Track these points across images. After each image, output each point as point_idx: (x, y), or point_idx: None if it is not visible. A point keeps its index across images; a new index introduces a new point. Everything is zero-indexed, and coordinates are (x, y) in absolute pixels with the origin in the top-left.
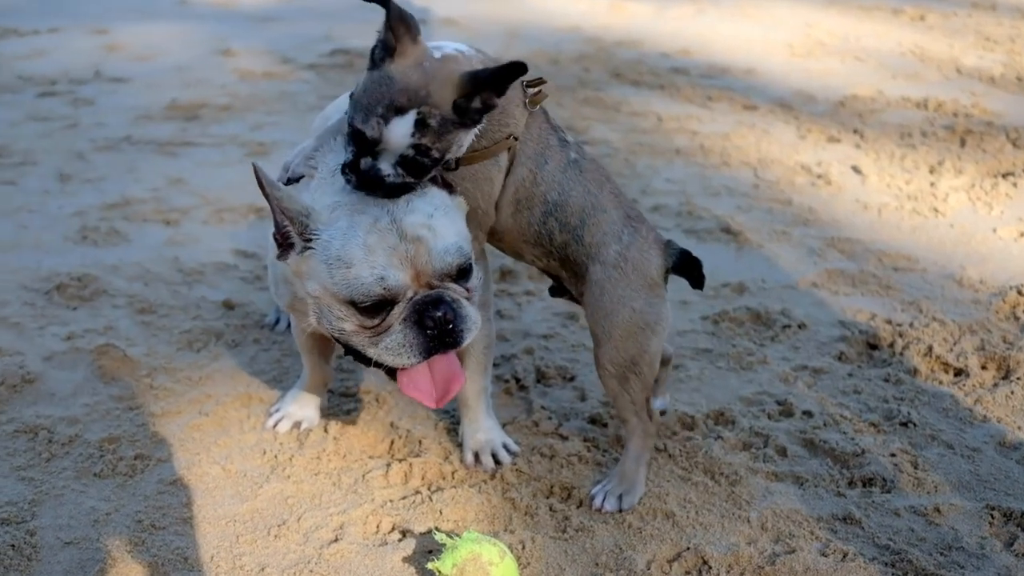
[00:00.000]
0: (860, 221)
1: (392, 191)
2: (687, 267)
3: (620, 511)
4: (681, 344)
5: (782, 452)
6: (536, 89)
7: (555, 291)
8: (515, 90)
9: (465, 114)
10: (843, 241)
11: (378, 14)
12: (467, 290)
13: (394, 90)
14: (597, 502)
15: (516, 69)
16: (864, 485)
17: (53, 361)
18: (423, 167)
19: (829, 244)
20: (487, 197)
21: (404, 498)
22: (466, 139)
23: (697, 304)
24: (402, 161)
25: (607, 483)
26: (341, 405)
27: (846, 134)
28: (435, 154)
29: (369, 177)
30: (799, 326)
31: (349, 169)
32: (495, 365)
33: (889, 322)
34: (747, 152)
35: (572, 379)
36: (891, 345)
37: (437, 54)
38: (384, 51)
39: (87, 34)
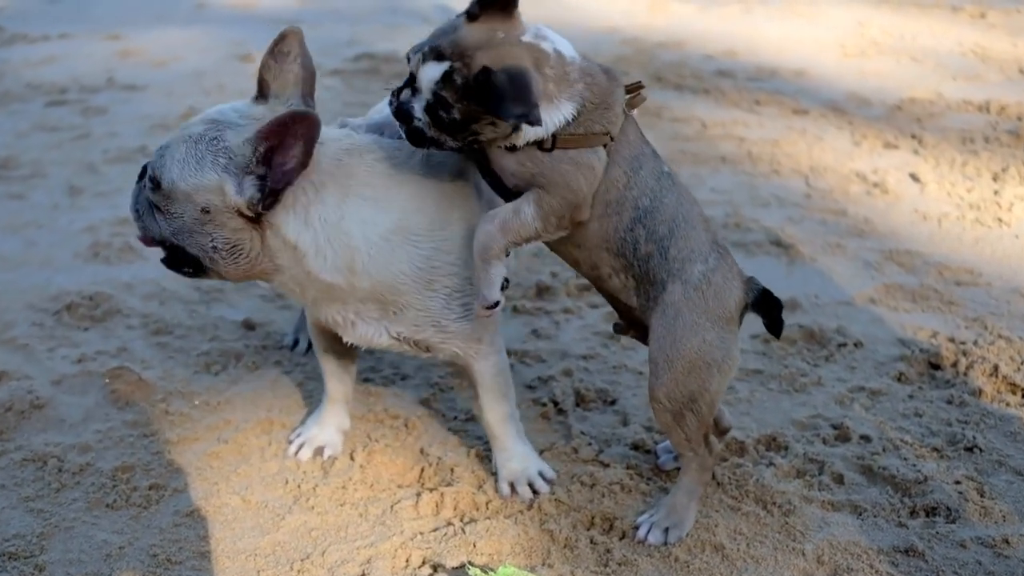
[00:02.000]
0: (919, 232)
1: (413, 136)
2: (766, 307)
3: (665, 544)
4: None
5: (839, 480)
6: (635, 93)
7: (619, 328)
8: (618, 89)
9: (472, 95)
10: (901, 254)
11: (404, 17)
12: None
13: (448, 37)
14: (641, 533)
15: (513, 111)
16: (927, 515)
17: (63, 385)
18: (443, 124)
19: (887, 257)
20: (589, 184)
21: (435, 530)
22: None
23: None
24: (428, 107)
25: (654, 514)
26: (368, 431)
27: (903, 139)
28: (456, 115)
29: (401, 109)
30: (855, 345)
31: (393, 94)
32: (530, 387)
33: (952, 340)
34: (798, 159)
35: (613, 403)
36: (954, 365)
37: (525, 37)
38: (473, 8)
39: (99, 40)
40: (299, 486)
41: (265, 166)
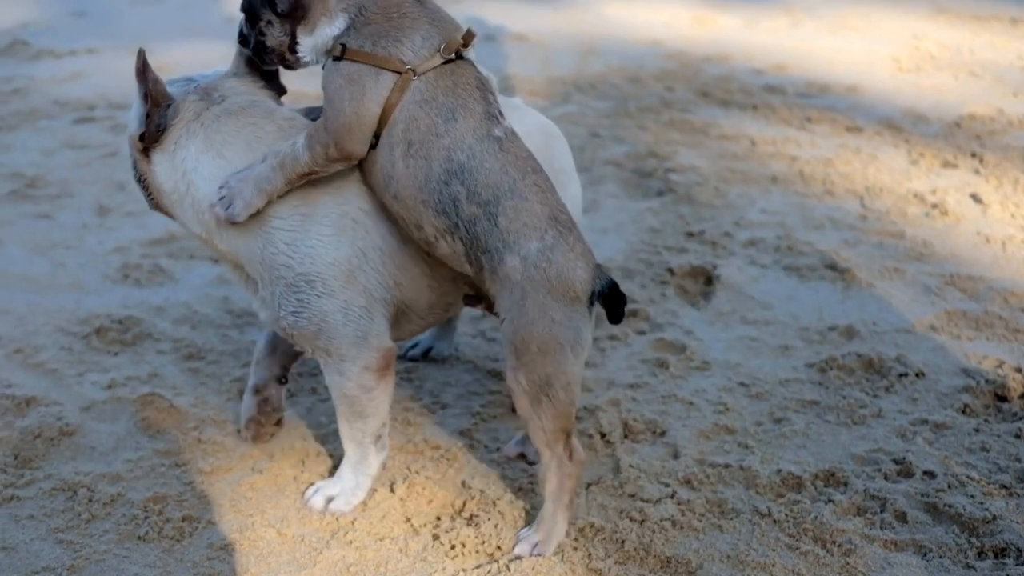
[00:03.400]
0: (982, 256)
1: (245, 42)
2: (611, 299)
3: (531, 555)
4: (784, 395)
5: (901, 518)
6: (463, 42)
7: (469, 300)
8: (427, 25)
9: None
10: (963, 279)
11: None
12: None
13: None
14: (516, 548)
15: None
16: (996, 556)
17: (93, 412)
18: (256, 26)
19: (948, 282)
20: (354, 105)
21: (478, 567)
22: (315, 32)
23: (801, 350)
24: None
25: (530, 527)
26: (407, 462)
27: (963, 158)
28: (247, 24)
29: (240, 32)
30: (917, 375)
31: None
32: (576, 418)
33: (1019, 370)
34: (852, 179)
35: (663, 434)
36: (1022, 396)
37: None
38: None
39: (128, 55)
40: (337, 519)
41: (151, 105)
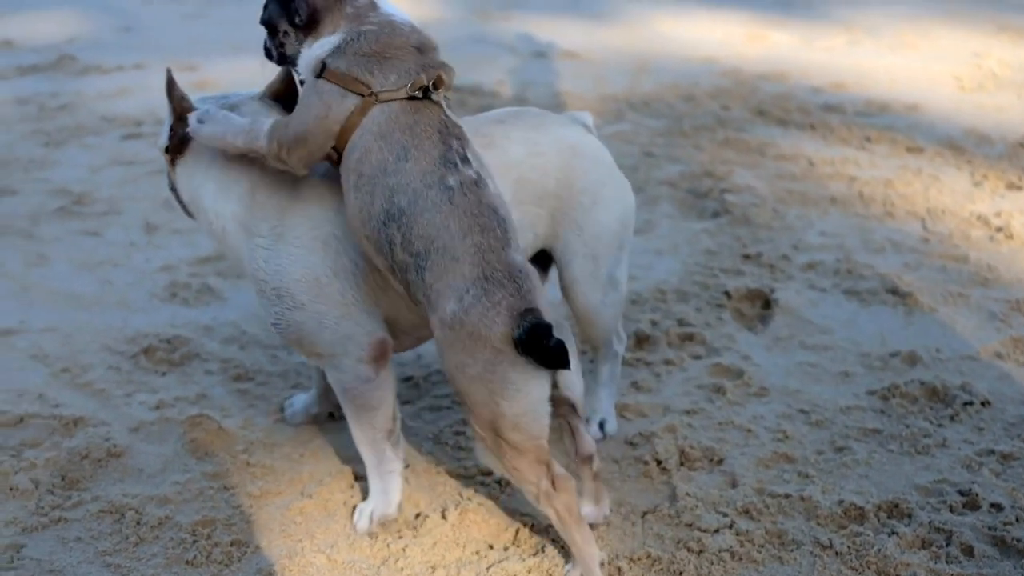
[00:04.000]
0: None
1: (270, 56)
2: (532, 344)
3: None
4: (846, 423)
5: (968, 551)
6: (431, 82)
7: None
8: (405, 56)
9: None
10: None
11: (490, 47)
12: None
13: None
14: None
15: None
16: None
17: (141, 433)
18: (276, 38)
19: (1014, 308)
20: (316, 120)
21: None
22: (313, 45)
23: (862, 377)
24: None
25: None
26: (459, 488)
27: None
28: (282, 28)
29: (265, 47)
30: (983, 403)
31: None
32: (631, 444)
33: None
34: (914, 201)
35: (720, 462)
36: None
37: None
38: None
39: (175, 71)
40: (388, 546)
41: (176, 119)
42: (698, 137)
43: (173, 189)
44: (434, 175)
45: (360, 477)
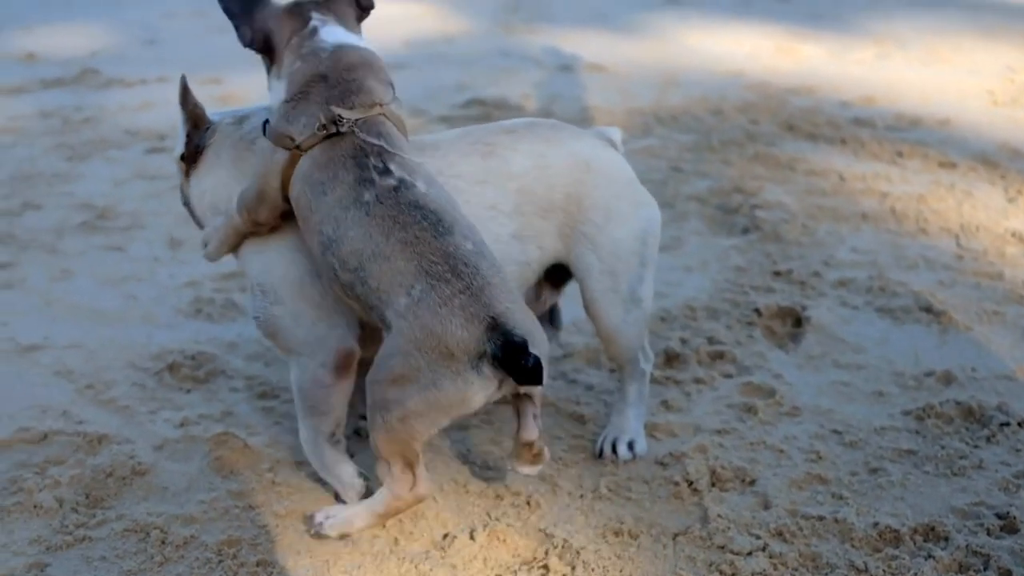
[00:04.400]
0: None
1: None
2: (507, 361)
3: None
4: (880, 444)
5: None
6: (333, 117)
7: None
8: (313, 92)
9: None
10: None
11: (515, 60)
12: None
13: None
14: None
15: None
16: None
17: (165, 451)
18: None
19: None
20: (260, 176)
21: None
22: (274, 89)
23: (896, 397)
24: None
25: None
26: (487, 508)
27: None
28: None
29: None
30: (1020, 424)
31: None
32: (662, 464)
33: None
34: (947, 217)
35: (753, 483)
36: None
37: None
38: None
39: (199, 84)
40: (415, 566)
41: (191, 126)
42: (727, 152)
43: (187, 203)
44: (349, 197)
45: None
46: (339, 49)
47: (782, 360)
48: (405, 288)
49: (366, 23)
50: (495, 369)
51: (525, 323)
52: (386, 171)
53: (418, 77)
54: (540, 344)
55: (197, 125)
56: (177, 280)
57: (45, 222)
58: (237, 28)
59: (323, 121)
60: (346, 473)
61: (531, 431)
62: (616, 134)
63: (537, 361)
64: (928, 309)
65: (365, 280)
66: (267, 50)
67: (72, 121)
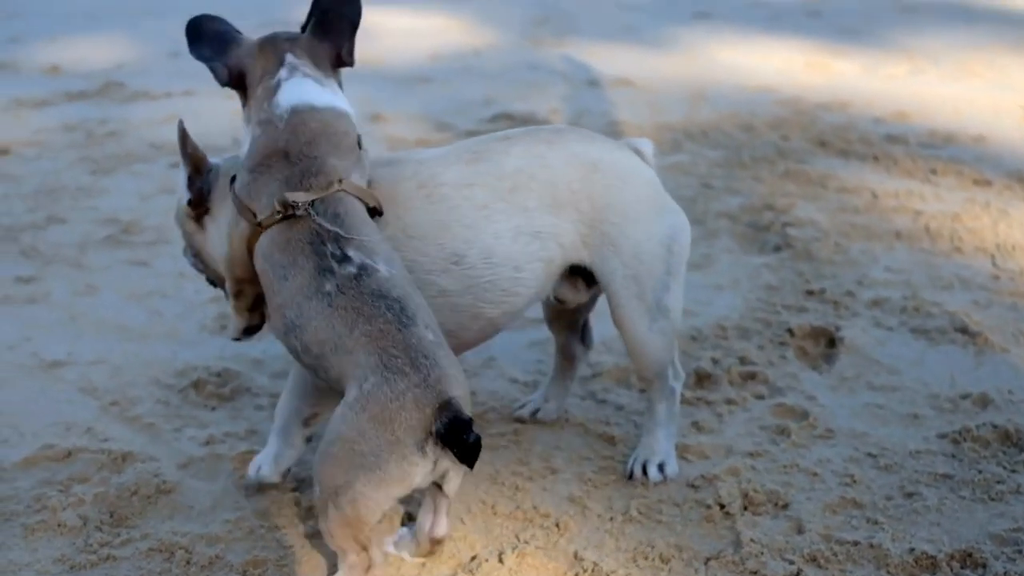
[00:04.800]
0: None
1: None
2: (453, 435)
3: None
4: (915, 468)
5: None
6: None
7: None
8: (274, 168)
9: None
10: None
11: (543, 75)
12: None
13: None
14: None
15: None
16: None
17: (190, 469)
18: None
19: None
20: (231, 237)
21: None
22: (245, 135)
23: (932, 419)
24: None
25: None
26: (516, 530)
27: None
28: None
29: None
30: None
31: None
32: (693, 486)
33: None
34: (982, 236)
35: (786, 507)
36: None
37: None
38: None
39: (224, 97)
40: None
41: (192, 170)
42: (758, 168)
43: (197, 255)
44: (311, 287)
45: (412, 517)
46: (296, 115)
47: (815, 381)
48: (358, 382)
49: (390, 41)
50: (436, 448)
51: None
52: (345, 258)
53: (444, 91)
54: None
55: (199, 169)
56: (202, 296)
57: (70, 236)
58: (213, 68)
59: (277, 207)
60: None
61: (442, 528)
62: (647, 146)
63: (479, 440)
64: (964, 330)
65: (327, 369)
66: (242, 87)
67: (96, 134)
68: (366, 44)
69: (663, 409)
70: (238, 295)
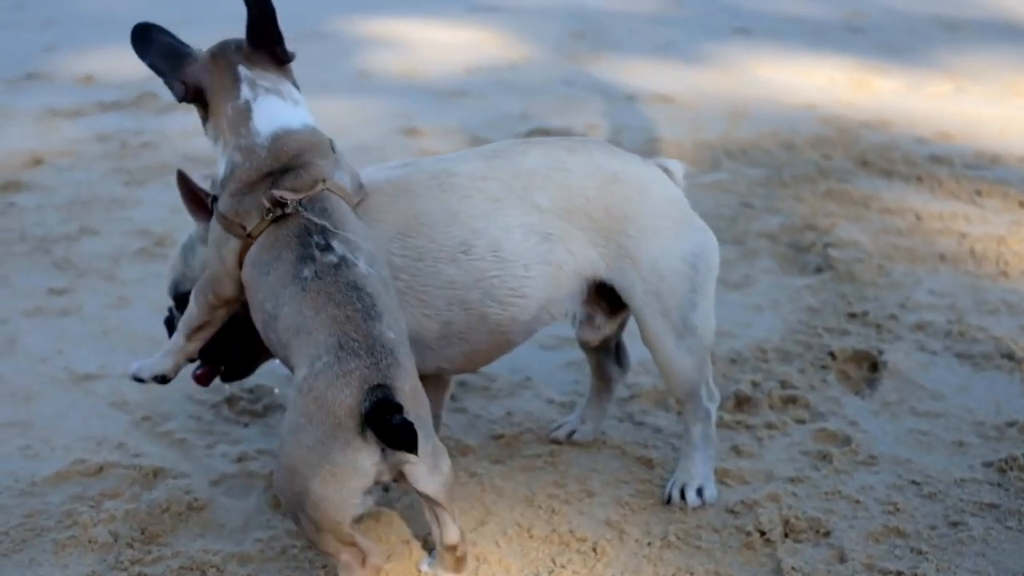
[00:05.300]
0: None
1: None
2: (376, 419)
3: None
4: (960, 496)
5: None
6: (277, 199)
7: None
8: (260, 187)
9: None
10: None
11: (580, 90)
12: None
13: None
14: None
15: None
16: None
17: (222, 486)
18: None
19: None
20: (218, 257)
21: None
22: (218, 155)
23: (977, 447)
24: None
25: None
26: (552, 554)
27: None
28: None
29: None
30: None
31: None
32: (732, 512)
33: None
34: None
35: (827, 534)
36: None
37: (246, 85)
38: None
39: None
40: None
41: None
42: (799, 187)
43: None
44: (289, 275)
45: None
46: (276, 141)
47: (857, 406)
48: (309, 361)
49: (426, 54)
50: (365, 435)
51: (416, 407)
52: (328, 248)
53: (480, 106)
54: (426, 431)
55: (203, 207)
56: None
57: (102, 248)
58: (169, 85)
59: (267, 206)
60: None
61: (452, 533)
62: (677, 166)
63: (408, 425)
64: (1010, 356)
65: (290, 357)
66: (201, 101)
67: (130, 145)
68: (402, 57)
69: (699, 431)
70: (200, 327)
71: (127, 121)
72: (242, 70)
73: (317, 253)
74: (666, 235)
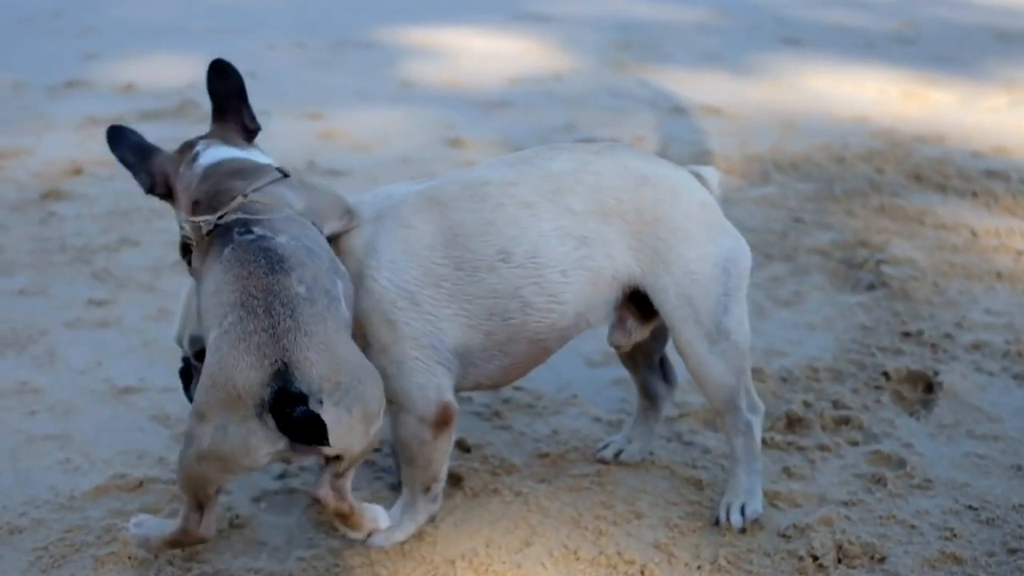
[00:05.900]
0: None
1: None
2: (279, 409)
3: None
4: (1019, 522)
5: None
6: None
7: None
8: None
9: None
10: None
11: (625, 101)
12: None
13: None
14: None
15: None
16: None
17: (263, 503)
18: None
19: None
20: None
21: None
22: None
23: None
24: None
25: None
26: (582, 573)
27: None
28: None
29: None
30: None
31: None
32: (784, 536)
33: None
34: None
35: (882, 560)
36: None
37: (203, 148)
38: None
39: (299, 119)
40: None
41: None
42: (850, 202)
43: None
44: (213, 260)
45: (493, 561)
46: (209, 168)
47: (913, 428)
48: (219, 319)
49: (469, 64)
50: (263, 419)
51: (333, 379)
52: (247, 232)
53: (525, 117)
54: (352, 405)
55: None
56: None
57: (143, 259)
58: (136, 176)
59: (189, 233)
60: (406, 530)
61: (321, 488)
62: (712, 174)
63: (311, 415)
64: None
65: (209, 329)
66: (170, 194)
67: None
68: (445, 66)
69: (740, 444)
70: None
71: (168, 130)
72: (201, 143)
73: (236, 235)
74: (698, 239)
